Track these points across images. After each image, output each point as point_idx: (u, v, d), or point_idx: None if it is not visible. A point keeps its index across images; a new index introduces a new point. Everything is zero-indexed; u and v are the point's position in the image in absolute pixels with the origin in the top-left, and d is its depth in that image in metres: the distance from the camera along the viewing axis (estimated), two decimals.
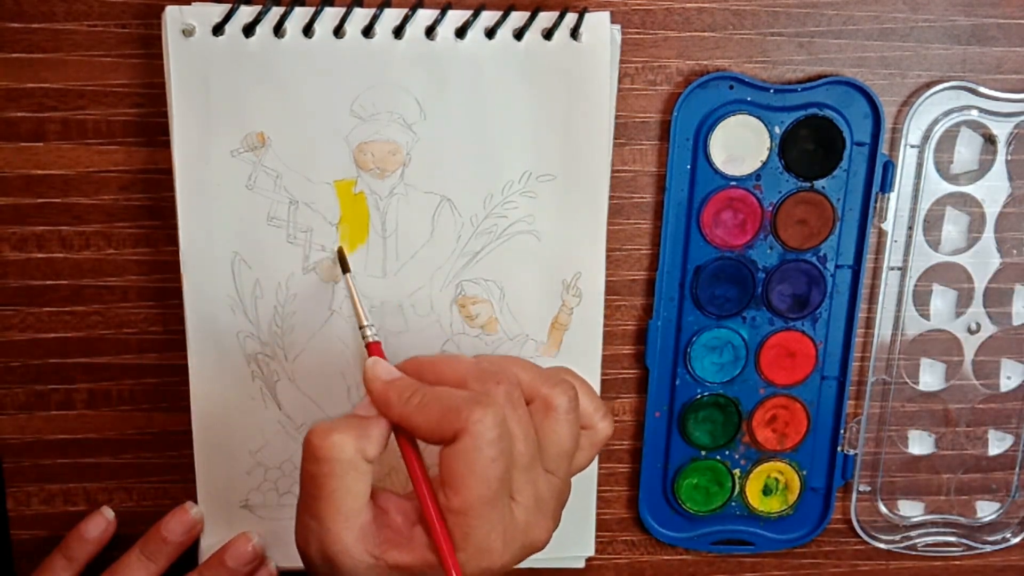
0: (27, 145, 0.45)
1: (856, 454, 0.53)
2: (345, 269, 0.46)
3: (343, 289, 0.47)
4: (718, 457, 0.52)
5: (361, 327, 0.43)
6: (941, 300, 0.52)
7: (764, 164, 0.48)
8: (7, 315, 0.47)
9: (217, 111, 0.44)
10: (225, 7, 0.43)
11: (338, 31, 0.43)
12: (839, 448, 0.53)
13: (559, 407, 0.39)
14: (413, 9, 0.44)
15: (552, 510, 0.40)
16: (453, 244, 0.47)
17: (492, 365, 0.40)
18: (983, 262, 0.51)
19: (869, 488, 0.54)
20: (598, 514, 0.52)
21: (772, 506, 0.53)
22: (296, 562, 0.50)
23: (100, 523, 0.49)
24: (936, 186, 0.50)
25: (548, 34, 0.44)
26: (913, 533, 0.55)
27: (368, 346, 0.42)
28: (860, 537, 0.55)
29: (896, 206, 0.50)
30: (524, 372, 0.40)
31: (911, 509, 0.55)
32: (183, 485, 0.50)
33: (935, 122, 0.49)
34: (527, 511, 0.38)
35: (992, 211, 0.50)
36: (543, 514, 0.39)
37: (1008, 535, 0.56)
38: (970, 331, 0.52)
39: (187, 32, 0.43)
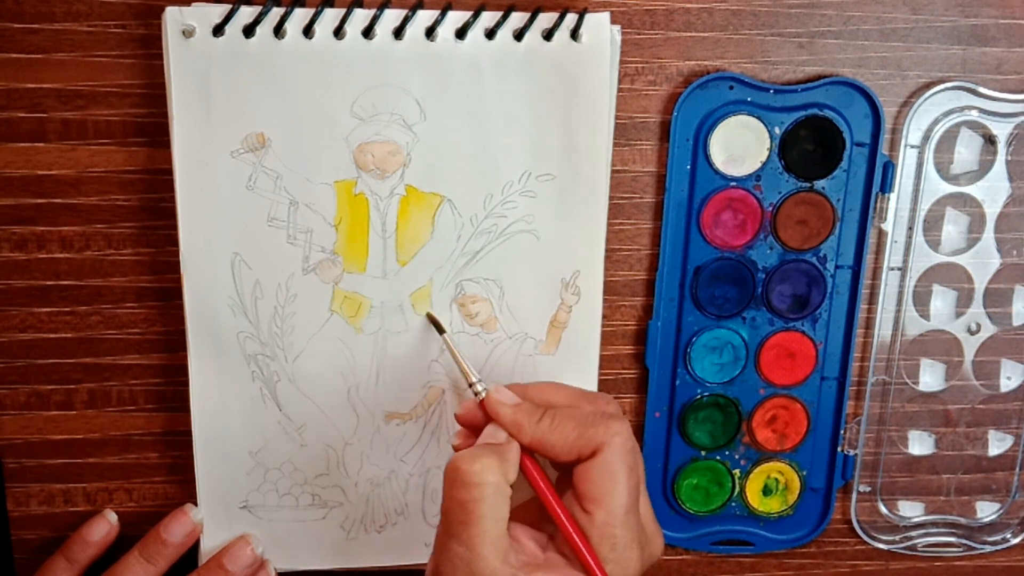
0: (27, 145, 0.45)
1: (856, 454, 0.53)
2: (440, 331, 0.46)
3: (342, 289, 0.47)
4: (718, 457, 0.52)
5: (471, 384, 0.42)
6: (941, 300, 0.52)
7: (764, 164, 0.48)
8: (8, 315, 0.47)
9: (217, 111, 0.44)
10: (225, 8, 0.43)
11: (338, 32, 0.43)
12: (839, 448, 0.53)
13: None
14: (413, 10, 0.44)
15: (655, 521, 0.42)
16: (453, 244, 0.47)
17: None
18: (983, 262, 0.51)
19: (869, 488, 0.54)
20: None
21: (772, 506, 0.53)
22: (295, 563, 0.50)
23: (103, 527, 0.49)
24: (936, 186, 0.50)
25: (548, 35, 0.44)
26: (913, 533, 0.55)
27: (481, 404, 0.41)
28: (860, 537, 0.55)
29: (896, 206, 0.50)
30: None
31: (911, 509, 0.55)
32: (183, 485, 0.50)
33: (935, 122, 0.49)
34: (647, 520, 0.40)
35: (992, 211, 0.50)
36: (655, 524, 0.41)
37: (1008, 535, 0.56)
38: (970, 331, 0.52)
39: (187, 33, 0.43)
